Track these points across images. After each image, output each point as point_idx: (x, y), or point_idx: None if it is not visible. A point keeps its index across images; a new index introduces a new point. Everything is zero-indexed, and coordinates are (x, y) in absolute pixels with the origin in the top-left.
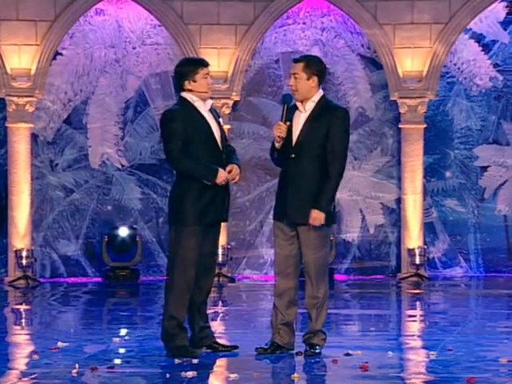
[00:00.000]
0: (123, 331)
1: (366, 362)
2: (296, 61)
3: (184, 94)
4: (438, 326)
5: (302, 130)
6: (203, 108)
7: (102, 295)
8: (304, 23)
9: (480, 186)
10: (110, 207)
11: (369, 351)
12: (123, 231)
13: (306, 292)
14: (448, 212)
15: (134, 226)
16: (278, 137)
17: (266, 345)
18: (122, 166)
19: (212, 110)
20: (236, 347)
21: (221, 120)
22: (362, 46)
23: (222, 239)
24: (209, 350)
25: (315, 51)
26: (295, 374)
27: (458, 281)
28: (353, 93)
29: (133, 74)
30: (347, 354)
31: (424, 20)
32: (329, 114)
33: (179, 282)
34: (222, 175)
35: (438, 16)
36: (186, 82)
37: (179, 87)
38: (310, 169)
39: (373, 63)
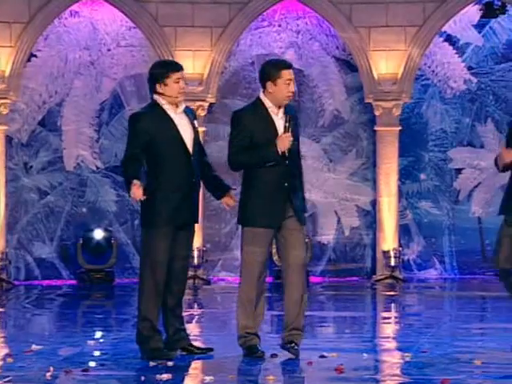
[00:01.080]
0: (98, 334)
1: (341, 364)
2: (292, 67)
3: (155, 97)
4: (413, 327)
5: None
6: (172, 111)
7: (76, 298)
8: (279, 26)
9: (454, 189)
10: (84, 209)
11: (344, 353)
12: (98, 234)
13: (292, 292)
14: (423, 214)
15: (109, 229)
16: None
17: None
18: (97, 168)
19: (187, 112)
20: (211, 349)
21: (195, 122)
22: (337, 48)
23: (198, 241)
24: (184, 353)
25: (290, 54)
26: (270, 376)
27: (432, 283)
28: (328, 95)
29: (108, 76)
30: (322, 356)
31: (398, 23)
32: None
33: (149, 284)
34: (134, 192)
35: (412, 19)
36: (158, 85)
37: (151, 90)
38: (298, 172)
39: (348, 66)
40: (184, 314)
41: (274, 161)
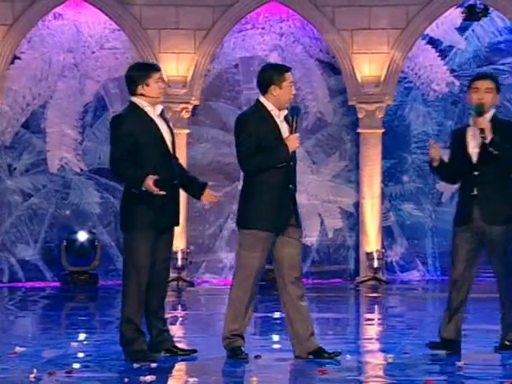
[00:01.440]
0: (81, 336)
1: (324, 366)
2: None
3: (134, 99)
4: (396, 329)
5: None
6: (153, 113)
7: (60, 300)
8: (263, 28)
9: (437, 191)
10: (68, 212)
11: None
12: (82, 236)
13: (297, 293)
14: (405, 216)
15: (93, 231)
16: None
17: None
18: (81, 170)
19: (162, 115)
20: (195, 351)
21: (170, 124)
22: (321, 51)
23: (181, 243)
24: (168, 354)
25: (274, 56)
26: (253, 378)
27: (415, 284)
28: (311, 97)
29: (91, 78)
30: (305, 358)
31: (381, 25)
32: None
33: (133, 287)
34: (148, 183)
35: (395, 21)
36: (139, 87)
37: (130, 92)
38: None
39: (331, 68)
40: (167, 315)
41: (285, 161)
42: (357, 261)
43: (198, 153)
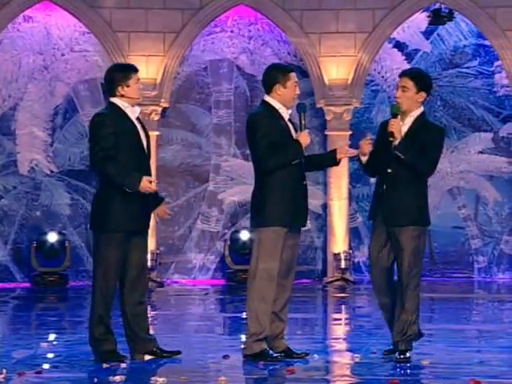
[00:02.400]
0: (51, 336)
1: (293, 365)
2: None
3: (114, 100)
4: (363, 329)
5: None
6: (132, 114)
7: (30, 300)
8: (232, 31)
9: None
10: (38, 213)
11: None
12: (52, 237)
13: (286, 296)
14: None
15: (63, 232)
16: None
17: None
18: (51, 171)
19: (138, 118)
20: (179, 352)
21: (146, 127)
22: (289, 54)
23: (151, 244)
24: (151, 357)
25: (243, 59)
26: (222, 378)
27: None
28: None
29: (61, 80)
30: (274, 358)
31: (349, 29)
32: None
33: (103, 288)
34: (145, 183)
35: (362, 25)
36: (120, 88)
37: (110, 93)
38: None
39: (299, 71)
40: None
41: (299, 158)
42: (325, 261)
43: (167, 155)
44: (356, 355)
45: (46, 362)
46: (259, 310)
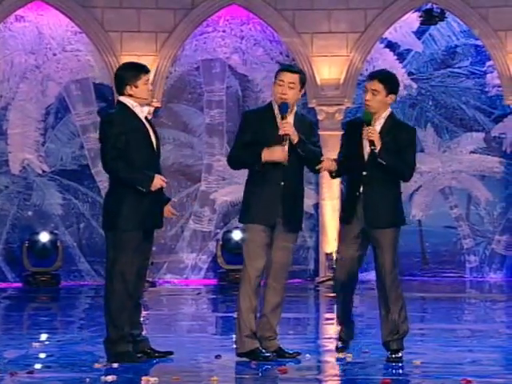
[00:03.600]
0: (43, 336)
1: (285, 365)
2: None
3: (122, 99)
4: (355, 328)
5: None
6: (141, 114)
7: (22, 300)
8: (224, 31)
9: None
10: (30, 213)
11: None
12: (44, 236)
13: (276, 301)
14: None
15: (55, 232)
16: None
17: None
18: (43, 171)
19: (147, 118)
20: (171, 353)
21: (155, 127)
22: (281, 53)
23: None
24: (144, 356)
25: (235, 59)
26: (214, 377)
27: (374, 284)
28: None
29: (53, 80)
30: (266, 357)
31: (341, 29)
32: None
33: (119, 287)
34: (157, 182)
35: (354, 25)
36: (128, 87)
37: (119, 91)
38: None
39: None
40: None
41: (258, 168)
42: (317, 261)
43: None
44: (348, 355)
45: (38, 362)
46: (243, 308)
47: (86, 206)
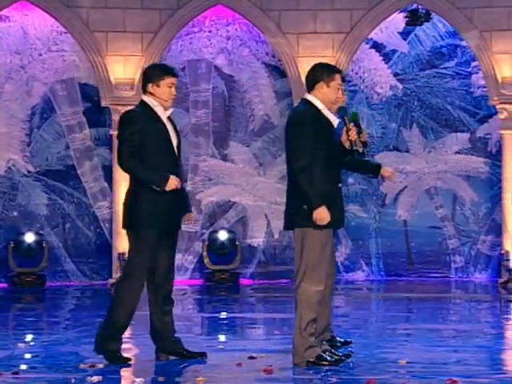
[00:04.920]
0: (29, 337)
1: (270, 365)
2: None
3: (144, 98)
4: (340, 328)
5: None
6: (163, 114)
7: (7, 301)
8: (210, 31)
9: (381, 192)
10: (16, 213)
11: (273, 354)
12: (29, 237)
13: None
14: (350, 217)
15: (41, 232)
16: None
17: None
18: (29, 172)
19: (170, 118)
20: (204, 354)
21: (178, 129)
22: (267, 54)
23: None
24: (176, 357)
25: (221, 59)
26: (200, 378)
27: (359, 284)
28: (258, 100)
29: (39, 80)
30: (251, 357)
31: (326, 30)
32: None
33: (134, 286)
34: (172, 182)
35: (339, 26)
36: (150, 85)
37: (143, 89)
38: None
39: (277, 71)
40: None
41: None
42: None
43: None
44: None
45: (23, 363)
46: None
47: (72, 207)
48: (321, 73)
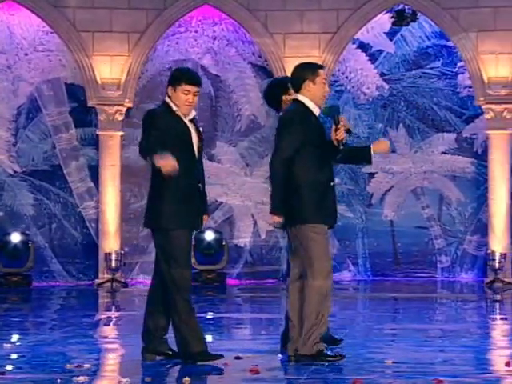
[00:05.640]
0: (15, 337)
1: (256, 365)
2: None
3: (167, 99)
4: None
5: None
6: (183, 116)
7: None
8: (196, 31)
9: (367, 192)
10: (1, 213)
11: (259, 354)
12: (15, 237)
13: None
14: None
15: (27, 232)
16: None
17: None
18: (15, 172)
19: (193, 119)
20: (221, 356)
21: (201, 129)
22: (253, 54)
23: (116, 245)
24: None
25: (207, 59)
26: (186, 378)
27: (346, 284)
28: (244, 100)
29: (25, 80)
30: (238, 358)
31: (313, 30)
32: None
33: (181, 280)
34: (165, 162)
35: (326, 26)
36: (169, 88)
37: (166, 90)
38: None
39: (264, 71)
40: (101, 316)
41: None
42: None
43: (132, 155)
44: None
45: (9, 363)
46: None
47: (58, 207)
48: (305, 72)
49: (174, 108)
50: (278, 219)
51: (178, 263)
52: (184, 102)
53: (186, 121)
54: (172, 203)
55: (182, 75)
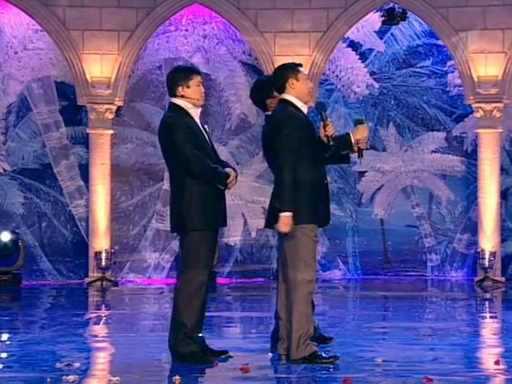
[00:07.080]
0: (4, 336)
1: (247, 364)
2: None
3: (176, 101)
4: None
5: None
6: (196, 116)
7: None
8: (186, 30)
9: (358, 191)
10: None
11: (249, 353)
12: (5, 236)
13: None
14: None
15: (17, 231)
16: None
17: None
18: (5, 170)
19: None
20: (226, 352)
21: (206, 127)
22: (244, 53)
23: (106, 243)
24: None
25: (198, 58)
26: (176, 377)
27: (336, 283)
28: (235, 99)
29: (14, 78)
30: (228, 356)
31: (303, 28)
32: None
33: (200, 288)
34: (231, 179)
35: (316, 25)
36: (180, 88)
37: (171, 93)
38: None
39: (254, 70)
40: (92, 315)
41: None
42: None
43: (122, 153)
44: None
45: None
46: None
47: (48, 205)
48: (285, 71)
49: (189, 107)
50: (289, 221)
51: (205, 266)
52: (201, 93)
53: (198, 120)
54: (207, 204)
55: (190, 70)
